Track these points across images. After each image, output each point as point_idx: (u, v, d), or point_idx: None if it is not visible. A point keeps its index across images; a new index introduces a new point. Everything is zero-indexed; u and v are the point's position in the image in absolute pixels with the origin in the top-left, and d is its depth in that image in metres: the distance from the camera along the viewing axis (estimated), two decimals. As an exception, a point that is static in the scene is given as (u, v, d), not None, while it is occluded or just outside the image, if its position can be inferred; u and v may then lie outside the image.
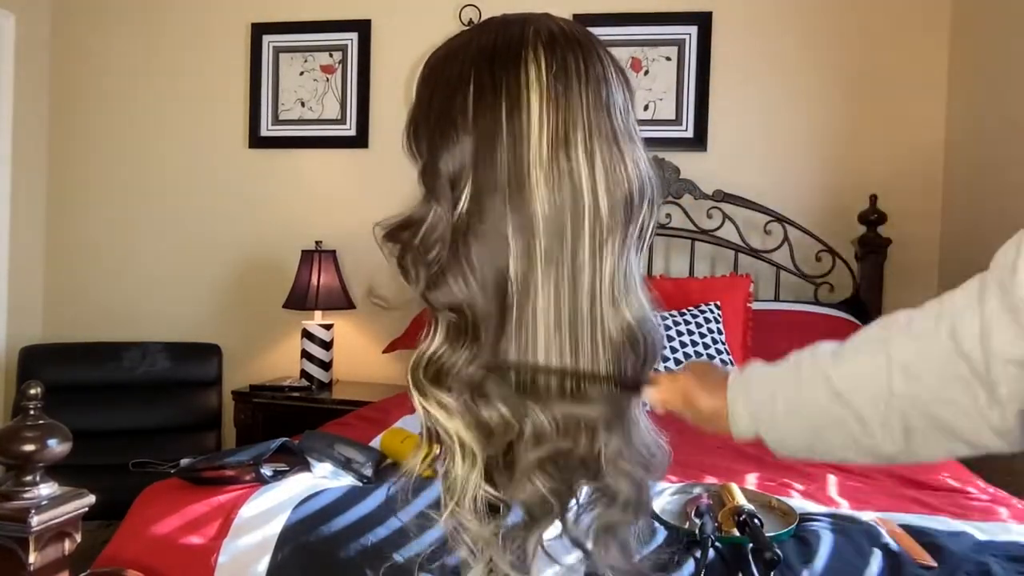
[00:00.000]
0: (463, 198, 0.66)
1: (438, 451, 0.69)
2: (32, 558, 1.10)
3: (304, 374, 3.03)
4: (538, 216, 0.64)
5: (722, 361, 2.32)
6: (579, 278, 0.66)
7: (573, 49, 0.67)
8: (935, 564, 1.08)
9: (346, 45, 3.27)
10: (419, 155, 0.71)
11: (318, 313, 3.07)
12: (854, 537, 1.17)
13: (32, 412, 1.13)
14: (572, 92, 0.66)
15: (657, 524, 1.21)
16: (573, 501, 0.71)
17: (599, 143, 0.66)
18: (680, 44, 3.01)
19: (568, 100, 0.65)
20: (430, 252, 0.68)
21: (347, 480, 1.52)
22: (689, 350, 2.32)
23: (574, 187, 0.65)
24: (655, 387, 0.77)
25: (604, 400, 0.67)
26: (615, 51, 0.72)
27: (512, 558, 0.68)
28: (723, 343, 2.38)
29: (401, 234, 0.71)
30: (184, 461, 1.51)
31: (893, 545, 1.14)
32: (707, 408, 0.79)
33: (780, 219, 2.85)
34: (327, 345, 3.05)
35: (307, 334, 3.03)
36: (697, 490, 1.36)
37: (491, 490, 0.68)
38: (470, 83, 0.67)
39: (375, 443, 1.73)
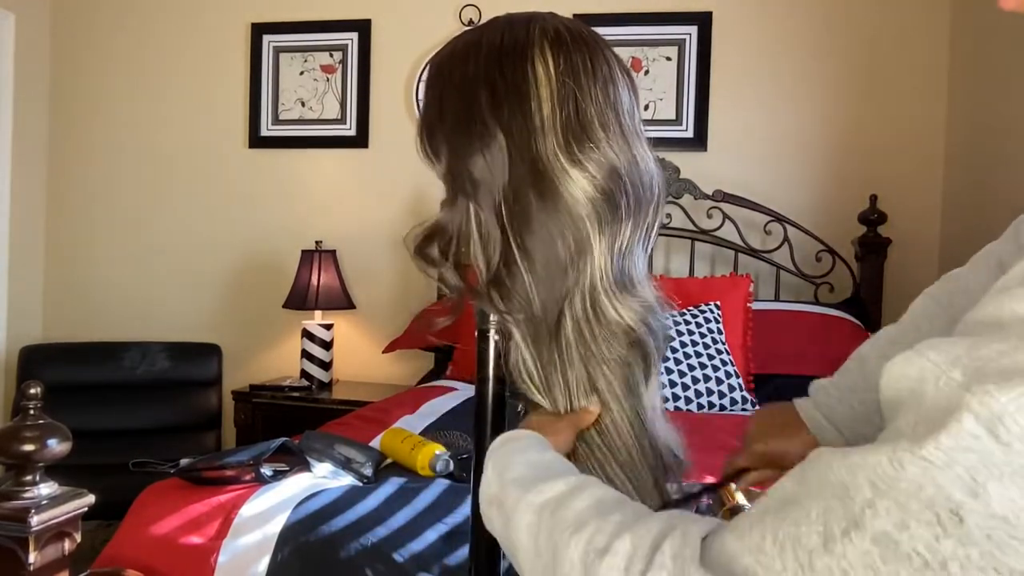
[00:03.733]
0: (507, 196, 0.66)
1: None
2: (32, 558, 1.10)
3: (304, 374, 3.03)
4: (580, 200, 0.65)
5: (722, 361, 2.32)
6: (614, 264, 0.67)
7: (580, 48, 0.68)
8: None
9: (346, 45, 3.27)
10: (437, 158, 0.70)
11: (318, 313, 3.07)
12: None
13: (32, 412, 1.13)
14: (583, 90, 0.66)
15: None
16: None
17: (614, 139, 0.67)
18: (680, 44, 3.01)
19: (579, 97, 0.66)
20: (493, 255, 0.67)
21: (347, 480, 1.52)
22: (689, 350, 2.32)
23: (606, 171, 0.66)
24: (741, 480, 0.81)
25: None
26: (616, 51, 0.72)
27: None
28: (723, 343, 2.38)
29: (437, 238, 0.70)
30: (184, 461, 1.51)
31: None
32: (801, 455, 0.84)
33: (780, 219, 2.85)
34: (327, 345, 3.05)
35: (307, 334, 3.03)
36: (697, 490, 1.36)
37: None
38: (485, 82, 0.67)
39: (375, 443, 1.73)
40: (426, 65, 3.16)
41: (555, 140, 0.65)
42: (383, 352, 3.02)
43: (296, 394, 2.92)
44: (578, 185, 0.65)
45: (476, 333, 0.75)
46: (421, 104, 0.73)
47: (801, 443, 0.83)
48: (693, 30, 2.99)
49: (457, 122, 0.68)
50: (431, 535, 1.26)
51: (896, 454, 0.34)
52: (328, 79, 3.29)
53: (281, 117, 3.34)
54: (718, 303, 2.49)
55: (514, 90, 0.66)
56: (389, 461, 1.65)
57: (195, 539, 1.29)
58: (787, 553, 0.37)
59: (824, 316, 2.65)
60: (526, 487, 0.58)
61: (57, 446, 1.13)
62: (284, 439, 1.58)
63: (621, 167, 0.66)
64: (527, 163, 0.65)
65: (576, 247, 0.66)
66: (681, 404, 2.25)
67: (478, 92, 0.67)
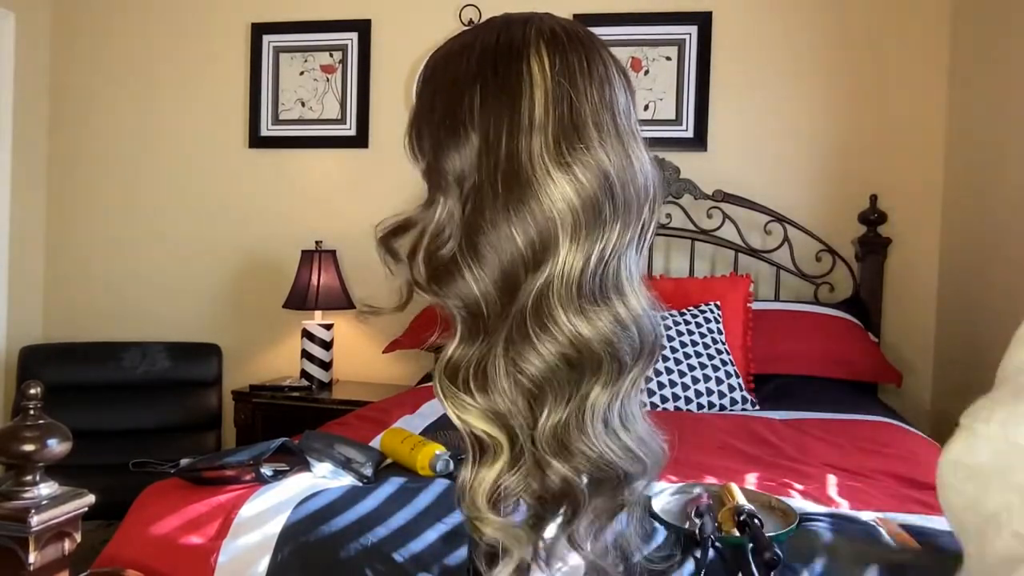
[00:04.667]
0: (471, 194, 0.66)
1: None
2: (32, 558, 1.10)
3: (304, 374, 3.03)
4: (556, 204, 0.64)
5: (722, 361, 2.32)
6: (592, 269, 0.66)
7: (576, 48, 0.68)
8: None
9: (346, 45, 3.27)
10: (421, 155, 0.71)
11: (318, 313, 3.07)
12: (854, 537, 1.17)
13: (32, 412, 1.13)
14: (578, 90, 0.66)
15: (657, 524, 1.21)
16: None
17: (608, 139, 0.67)
18: (680, 44, 3.01)
19: (574, 97, 0.66)
20: (441, 248, 0.68)
21: (347, 480, 1.52)
22: (689, 350, 2.32)
23: (594, 173, 0.65)
24: None
25: (601, 386, 0.67)
26: (615, 51, 0.72)
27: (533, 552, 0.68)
28: (723, 343, 2.38)
29: (407, 233, 0.71)
30: (184, 461, 1.51)
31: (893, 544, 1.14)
32: None
33: (780, 219, 2.85)
34: (327, 345, 3.05)
35: (307, 334, 3.03)
36: (697, 490, 1.36)
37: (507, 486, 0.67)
38: (474, 82, 0.67)
39: (375, 443, 1.73)
40: (426, 65, 3.16)
41: (543, 140, 0.65)
42: (383, 352, 3.02)
43: (296, 394, 2.93)
44: (558, 188, 0.64)
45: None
46: (413, 102, 0.73)
47: None
48: (693, 30, 2.99)
49: (443, 120, 0.68)
50: (431, 535, 1.26)
51: None
52: (328, 79, 3.29)
53: (281, 117, 3.34)
54: (718, 303, 2.49)
55: (506, 90, 0.65)
56: (389, 461, 1.65)
57: (195, 539, 1.29)
58: None
59: (824, 316, 2.65)
60: None
61: (57, 446, 1.13)
62: (284, 439, 1.58)
63: (612, 169, 0.66)
64: (503, 162, 0.65)
65: (540, 248, 0.65)
66: (681, 404, 2.25)
67: (467, 91, 0.67)
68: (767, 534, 1.11)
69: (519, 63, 0.66)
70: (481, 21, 0.77)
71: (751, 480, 1.55)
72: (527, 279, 0.65)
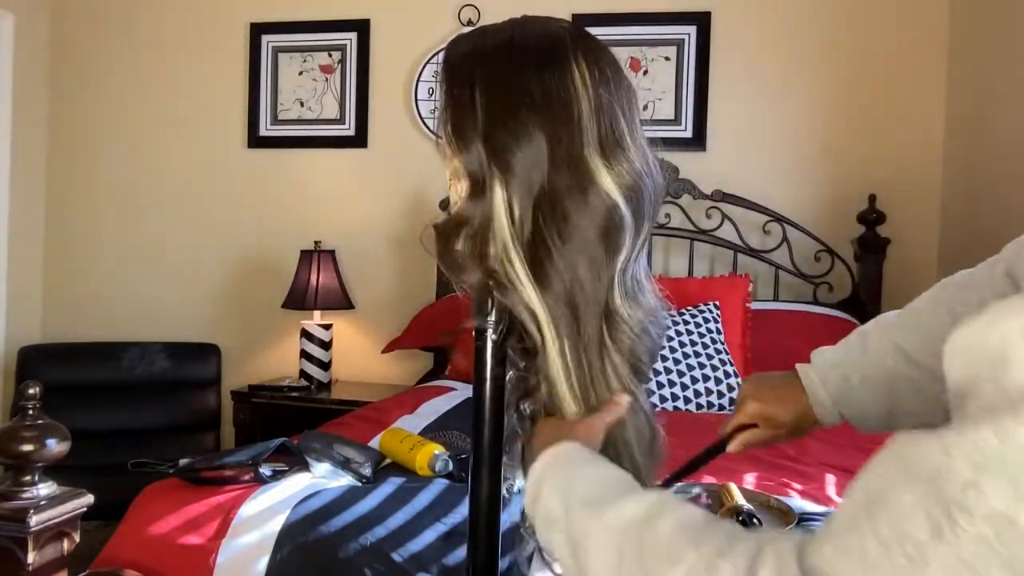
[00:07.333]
0: (541, 183, 0.69)
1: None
2: (31, 558, 1.10)
3: (303, 374, 3.03)
4: (618, 203, 0.68)
5: (721, 361, 2.32)
6: (632, 264, 0.72)
7: (605, 57, 0.71)
8: None
9: (345, 45, 3.27)
10: (465, 149, 0.70)
11: (317, 313, 3.07)
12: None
13: (31, 412, 1.13)
14: (613, 100, 0.70)
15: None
16: None
17: (636, 142, 0.71)
18: (679, 44, 3.01)
19: (612, 107, 0.70)
20: (525, 242, 0.69)
21: (346, 480, 1.52)
22: (688, 350, 2.32)
23: (633, 176, 0.70)
24: (734, 439, 0.84)
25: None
26: (615, 51, 0.73)
27: None
28: (722, 343, 2.38)
29: (464, 233, 0.70)
30: (183, 461, 1.52)
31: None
32: (791, 421, 0.86)
33: (779, 219, 2.85)
34: (326, 345, 3.05)
35: (306, 334, 3.03)
36: (696, 490, 1.36)
37: None
38: (525, 85, 0.69)
39: (374, 443, 1.73)
40: (427, 62, 3.16)
41: (595, 147, 0.68)
42: (382, 352, 3.02)
43: (295, 394, 2.92)
44: (612, 186, 0.68)
45: (473, 332, 0.75)
46: (445, 97, 0.74)
47: (795, 406, 0.86)
48: (692, 30, 2.99)
49: (495, 119, 0.69)
50: (430, 535, 1.26)
51: (1000, 427, 0.32)
52: (327, 79, 3.29)
53: (280, 117, 3.33)
54: (717, 303, 2.49)
55: (557, 97, 0.68)
56: (388, 461, 1.65)
57: (194, 539, 1.29)
58: (895, 551, 0.36)
59: (823, 316, 2.65)
60: (597, 507, 0.56)
61: (56, 446, 1.13)
62: (283, 439, 1.59)
63: (643, 171, 0.70)
64: (569, 166, 0.68)
65: (613, 246, 0.69)
66: (680, 404, 2.25)
67: (519, 94, 0.69)
68: (766, 534, 1.11)
69: (564, 72, 0.69)
70: (481, 22, 0.78)
71: (750, 480, 1.55)
72: (608, 277, 0.70)
